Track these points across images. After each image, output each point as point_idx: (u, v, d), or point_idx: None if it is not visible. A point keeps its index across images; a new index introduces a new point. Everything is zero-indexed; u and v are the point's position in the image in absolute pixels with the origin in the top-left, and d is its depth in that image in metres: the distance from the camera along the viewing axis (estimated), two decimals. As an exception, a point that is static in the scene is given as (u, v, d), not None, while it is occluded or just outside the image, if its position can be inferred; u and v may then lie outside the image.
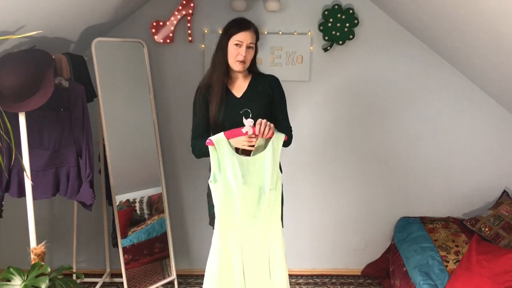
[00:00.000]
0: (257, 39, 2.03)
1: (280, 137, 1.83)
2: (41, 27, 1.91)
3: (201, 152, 1.97)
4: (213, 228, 2.12)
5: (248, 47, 1.95)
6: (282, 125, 2.06)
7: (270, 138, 1.82)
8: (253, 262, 1.87)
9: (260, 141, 1.84)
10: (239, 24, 1.97)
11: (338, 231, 3.09)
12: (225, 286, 1.87)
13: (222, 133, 1.79)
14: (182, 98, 2.86)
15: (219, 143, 1.77)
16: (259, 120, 1.81)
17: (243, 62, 1.96)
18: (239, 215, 1.83)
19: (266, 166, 1.82)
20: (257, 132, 1.79)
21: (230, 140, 1.80)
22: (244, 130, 1.79)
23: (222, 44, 1.99)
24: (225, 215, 1.83)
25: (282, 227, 2.01)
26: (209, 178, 2.08)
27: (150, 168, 2.72)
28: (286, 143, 1.97)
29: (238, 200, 1.80)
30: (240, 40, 1.94)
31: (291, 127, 2.11)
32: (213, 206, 2.12)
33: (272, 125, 1.83)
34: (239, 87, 2.07)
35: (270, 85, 2.07)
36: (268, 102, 2.05)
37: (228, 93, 2.04)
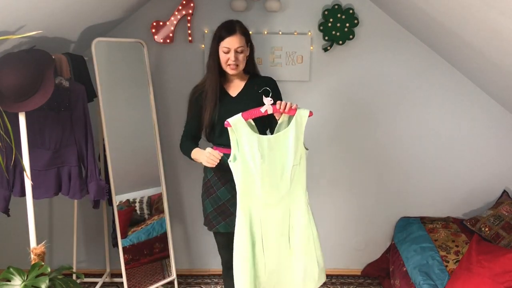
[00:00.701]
0: (248, 40, 2.03)
1: (304, 113, 1.85)
2: (41, 27, 1.91)
3: (186, 153, 2.10)
4: (208, 229, 2.20)
5: (236, 52, 1.97)
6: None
7: (293, 115, 1.85)
8: (271, 232, 1.93)
9: (283, 117, 1.88)
10: (225, 29, 1.98)
11: (338, 231, 3.09)
12: (251, 251, 1.92)
13: (240, 114, 1.83)
14: (182, 98, 2.84)
15: (236, 124, 1.81)
16: (279, 102, 1.85)
17: (235, 66, 1.99)
18: (260, 193, 1.88)
19: (289, 142, 1.85)
20: (278, 108, 1.83)
21: (194, 158, 1.96)
22: (263, 109, 1.82)
23: (212, 48, 2.04)
24: (245, 193, 1.89)
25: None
26: (203, 177, 2.16)
27: (150, 168, 2.72)
28: None
29: (258, 178, 1.85)
30: (226, 47, 1.97)
31: None
32: (207, 206, 2.15)
33: (295, 104, 1.86)
34: (235, 87, 2.11)
35: (267, 86, 2.10)
36: (263, 102, 2.04)
37: (224, 93, 2.09)
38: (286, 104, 1.84)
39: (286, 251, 1.97)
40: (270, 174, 1.87)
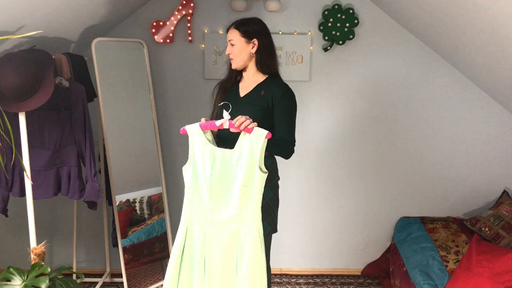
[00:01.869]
0: (246, 33, 1.98)
1: (260, 133, 1.75)
2: (41, 27, 1.92)
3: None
4: None
5: (230, 45, 2.00)
6: (277, 135, 1.95)
7: (250, 133, 1.77)
8: (217, 253, 1.83)
9: (243, 135, 1.80)
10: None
11: (338, 231, 3.09)
12: (186, 273, 1.84)
13: (198, 123, 1.82)
14: (182, 98, 2.86)
15: (191, 132, 1.82)
16: (239, 116, 1.76)
17: (231, 59, 2.02)
18: (207, 203, 1.82)
19: (242, 161, 1.78)
20: (234, 124, 1.75)
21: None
22: (218, 122, 1.78)
23: None
24: (191, 201, 1.84)
25: (275, 230, 2.03)
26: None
27: (150, 168, 2.72)
28: (285, 155, 1.95)
29: (205, 189, 1.81)
30: (227, 40, 2.02)
31: (291, 140, 1.98)
32: None
33: (252, 122, 1.76)
34: (246, 87, 2.07)
35: (272, 94, 1.98)
36: (266, 108, 1.96)
37: (235, 91, 2.09)
38: (244, 122, 1.74)
39: (231, 279, 1.82)
40: (220, 188, 1.81)
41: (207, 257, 1.82)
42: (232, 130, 1.78)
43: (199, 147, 1.81)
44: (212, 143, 1.84)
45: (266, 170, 1.80)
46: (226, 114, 1.80)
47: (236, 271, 1.82)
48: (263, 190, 1.80)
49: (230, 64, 2.06)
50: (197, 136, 1.81)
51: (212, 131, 1.89)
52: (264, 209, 1.92)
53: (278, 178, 2.09)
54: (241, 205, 1.79)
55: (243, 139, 1.79)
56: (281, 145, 1.94)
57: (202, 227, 1.82)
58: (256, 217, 1.81)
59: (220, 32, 2.74)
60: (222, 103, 2.01)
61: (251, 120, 1.76)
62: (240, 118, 1.74)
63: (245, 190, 1.78)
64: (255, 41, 1.99)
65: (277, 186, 2.08)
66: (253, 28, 2.00)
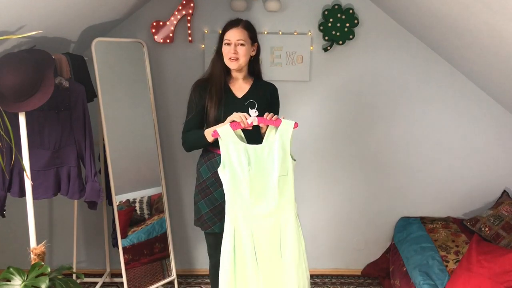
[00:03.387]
0: (252, 37, 2.04)
1: (289, 124, 1.89)
2: (41, 27, 1.91)
3: (191, 145, 2.07)
4: (201, 229, 2.22)
5: (237, 44, 1.98)
6: None
7: (278, 126, 1.90)
8: (264, 243, 1.93)
9: (270, 129, 1.93)
10: (230, 23, 2.03)
11: (338, 231, 3.09)
12: (240, 268, 1.94)
13: (228, 124, 1.88)
14: (182, 98, 2.84)
15: (223, 134, 1.87)
16: (266, 114, 1.90)
17: (235, 59, 2.00)
18: (248, 199, 1.90)
19: (275, 153, 1.89)
20: (261, 122, 1.88)
21: (211, 132, 1.92)
22: (249, 120, 1.87)
23: (218, 46, 2.07)
24: (234, 200, 1.91)
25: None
26: (196, 178, 2.20)
27: (150, 168, 2.72)
28: None
29: (245, 185, 1.88)
30: (228, 39, 2.00)
31: None
32: (201, 207, 2.15)
33: (281, 116, 1.92)
34: (240, 88, 2.12)
35: (270, 93, 2.15)
36: (265, 108, 2.09)
37: (229, 92, 2.09)
38: (272, 116, 1.90)
39: (279, 265, 1.96)
40: (258, 182, 1.89)
41: (257, 250, 1.93)
42: (261, 125, 1.91)
43: (233, 147, 1.88)
44: (243, 140, 1.92)
45: (295, 159, 1.95)
46: (253, 112, 1.90)
47: (282, 259, 1.95)
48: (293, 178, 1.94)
49: (220, 63, 2.04)
50: (229, 137, 1.88)
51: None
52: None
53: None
54: (280, 195, 1.91)
55: (270, 133, 1.92)
56: None
57: (247, 221, 1.92)
58: (292, 205, 1.95)
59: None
60: (248, 101, 2.06)
61: (276, 116, 1.91)
62: (267, 116, 1.89)
63: (282, 180, 1.90)
64: (256, 45, 2.08)
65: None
66: (255, 33, 2.07)
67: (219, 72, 2.06)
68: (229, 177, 1.88)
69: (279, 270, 1.96)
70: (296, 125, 1.90)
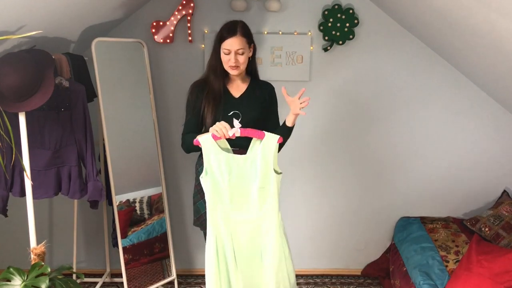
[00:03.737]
0: (249, 41, 2.03)
1: (272, 139, 1.88)
2: (41, 27, 1.91)
3: (189, 147, 2.05)
4: (201, 229, 2.23)
5: (237, 53, 1.97)
6: (274, 127, 2.11)
7: (262, 138, 1.89)
8: (243, 246, 1.96)
9: (254, 141, 1.92)
10: (227, 30, 1.99)
11: (338, 231, 3.09)
12: (223, 270, 1.96)
13: (210, 134, 1.87)
14: (182, 98, 2.82)
15: (204, 143, 1.88)
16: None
17: (236, 67, 2.00)
18: (228, 205, 1.92)
19: (256, 165, 1.89)
20: (244, 134, 1.87)
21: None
22: (231, 132, 1.85)
23: (215, 47, 2.05)
24: (214, 206, 1.93)
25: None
26: (195, 179, 2.21)
27: (150, 168, 2.72)
28: (281, 144, 2.01)
29: (226, 193, 1.90)
30: (227, 48, 1.98)
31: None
32: (201, 207, 2.15)
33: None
34: (238, 88, 2.12)
35: (267, 93, 2.15)
36: (263, 107, 2.11)
37: (226, 92, 2.09)
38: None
39: (259, 267, 1.99)
40: (239, 192, 1.91)
41: (236, 251, 1.96)
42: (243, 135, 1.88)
43: (214, 157, 1.89)
44: (227, 150, 1.91)
45: (280, 171, 1.94)
46: (236, 123, 1.91)
47: (262, 263, 1.99)
48: (279, 190, 1.94)
49: (218, 64, 2.03)
50: (210, 146, 1.88)
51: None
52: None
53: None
54: (259, 206, 1.93)
55: (254, 145, 1.92)
56: (285, 139, 2.06)
57: (228, 229, 1.95)
58: (275, 213, 1.95)
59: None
60: (231, 112, 2.04)
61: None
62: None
63: (262, 192, 1.91)
64: (252, 45, 2.07)
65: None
66: (251, 36, 2.06)
67: (219, 76, 2.05)
68: (210, 185, 1.90)
69: (258, 273, 1.99)
70: (280, 139, 1.89)
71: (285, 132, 2.03)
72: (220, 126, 1.84)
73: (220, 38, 2.00)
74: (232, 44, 1.96)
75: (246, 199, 1.93)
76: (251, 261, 1.98)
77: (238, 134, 1.86)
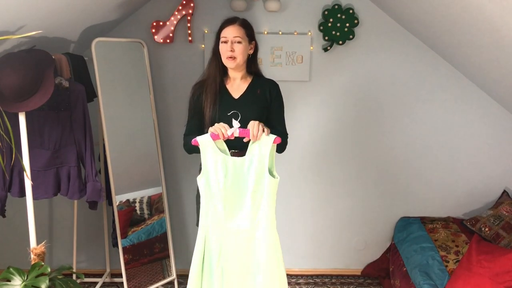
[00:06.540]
0: (249, 34, 2.00)
1: (268, 139, 1.81)
2: (41, 27, 1.91)
3: (190, 148, 2.00)
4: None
5: (234, 42, 1.94)
6: (276, 131, 1.98)
7: (259, 140, 1.83)
8: (233, 262, 1.87)
9: (253, 143, 1.85)
10: (226, 20, 1.98)
11: (338, 231, 3.09)
12: (207, 278, 1.90)
13: (209, 134, 1.84)
14: (182, 98, 2.85)
15: (203, 143, 1.84)
16: (251, 122, 1.82)
17: (233, 58, 1.95)
18: (221, 212, 1.85)
19: (251, 167, 1.83)
20: (242, 134, 1.82)
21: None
22: (229, 131, 1.81)
23: (214, 45, 2.03)
24: (207, 211, 1.87)
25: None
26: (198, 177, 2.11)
27: (150, 168, 2.72)
28: (280, 149, 1.97)
29: (219, 198, 1.84)
30: (224, 36, 1.95)
31: (286, 134, 2.09)
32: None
33: (264, 127, 1.82)
34: (238, 88, 2.06)
35: (269, 91, 2.06)
36: (265, 107, 2.04)
37: (226, 93, 2.04)
38: (257, 127, 1.80)
39: (249, 283, 1.88)
40: (233, 196, 1.84)
41: (224, 267, 1.87)
42: (245, 140, 1.84)
43: (211, 157, 1.84)
44: (224, 152, 1.86)
45: (277, 176, 1.85)
46: (236, 123, 1.85)
47: (255, 279, 1.87)
48: (275, 196, 1.84)
49: (216, 63, 2.01)
50: (208, 146, 1.84)
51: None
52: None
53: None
54: (253, 212, 1.84)
55: (252, 146, 1.84)
56: (284, 142, 2.01)
57: (218, 237, 1.87)
58: (270, 221, 1.85)
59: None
60: (231, 112, 1.97)
61: (261, 126, 1.81)
62: (253, 128, 1.79)
63: (255, 196, 1.83)
64: (254, 43, 2.04)
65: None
66: (252, 31, 2.04)
67: (215, 73, 2.02)
68: (204, 187, 1.85)
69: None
70: (277, 139, 1.82)
71: (283, 142, 1.97)
72: (219, 126, 1.82)
73: (219, 28, 1.99)
74: (230, 31, 1.94)
75: (240, 205, 1.84)
76: (242, 278, 1.87)
77: (236, 134, 1.82)
